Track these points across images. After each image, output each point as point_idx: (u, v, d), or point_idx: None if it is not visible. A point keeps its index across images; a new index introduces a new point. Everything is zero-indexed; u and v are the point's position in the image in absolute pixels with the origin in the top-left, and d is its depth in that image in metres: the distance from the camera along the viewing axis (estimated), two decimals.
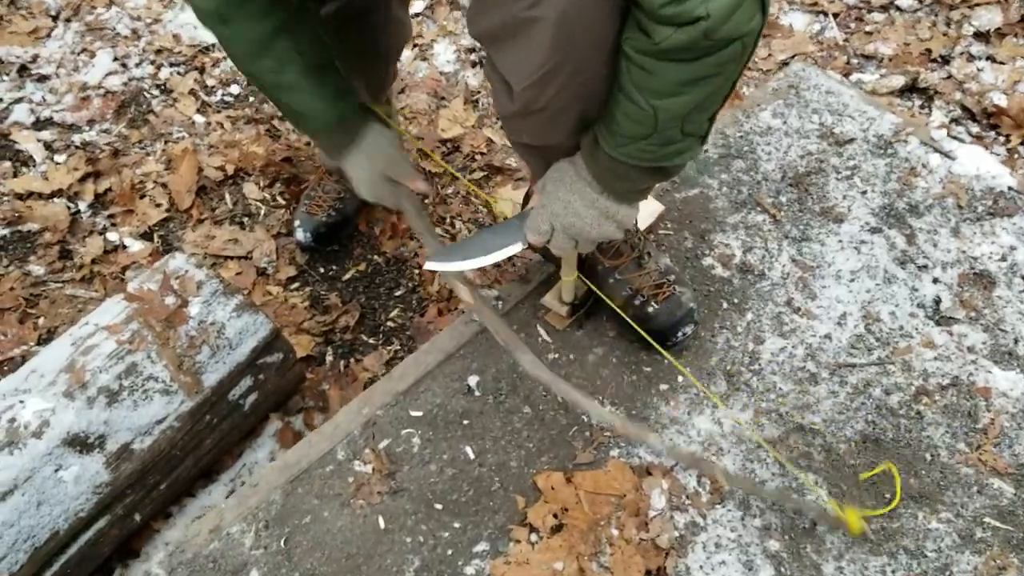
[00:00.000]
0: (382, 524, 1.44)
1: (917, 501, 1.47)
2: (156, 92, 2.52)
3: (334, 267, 2.15)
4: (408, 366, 1.61)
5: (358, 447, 1.52)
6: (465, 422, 1.56)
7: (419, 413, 1.56)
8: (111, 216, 2.22)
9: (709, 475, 1.45)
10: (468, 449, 1.53)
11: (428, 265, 1.37)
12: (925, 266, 1.77)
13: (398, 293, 2.10)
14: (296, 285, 2.11)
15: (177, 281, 1.72)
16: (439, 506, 1.46)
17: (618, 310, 1.54)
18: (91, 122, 2.43)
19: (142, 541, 1.69)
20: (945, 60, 2.62)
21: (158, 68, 2.58)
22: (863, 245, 1.81)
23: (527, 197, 1.72)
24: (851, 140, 1.99)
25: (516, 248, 1.33)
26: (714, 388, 1.60)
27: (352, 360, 1.97)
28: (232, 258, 2.15)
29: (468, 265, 1.36)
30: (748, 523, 1.45)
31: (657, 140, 1.06)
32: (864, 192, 1.90)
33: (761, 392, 1.60)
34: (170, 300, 1.68)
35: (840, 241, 1.82)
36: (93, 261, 2.12)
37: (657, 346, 1.51)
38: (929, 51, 2.64)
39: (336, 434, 1.53)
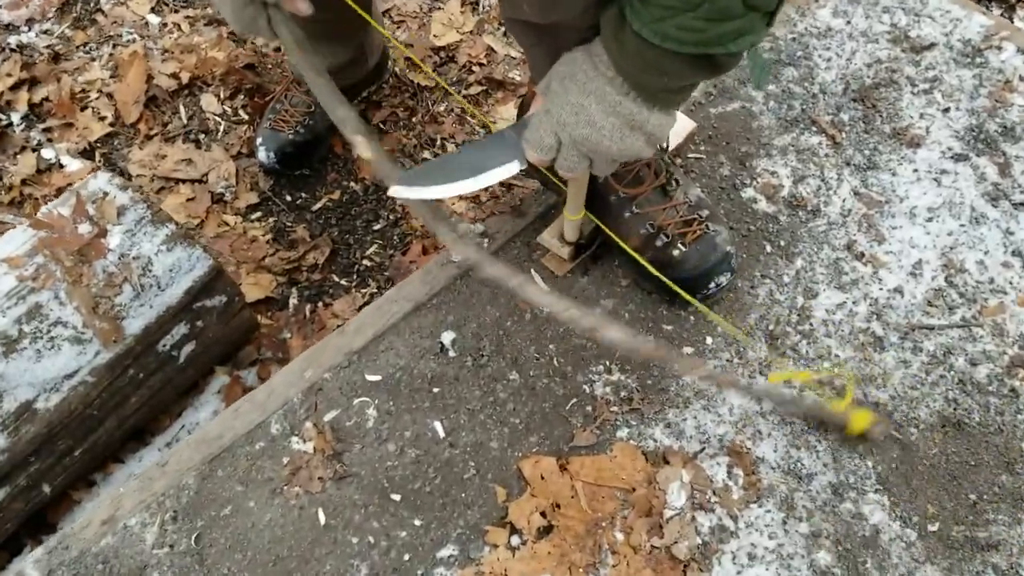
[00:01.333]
0: (322, 519, 1.15)
1: (1011, 504, 1.15)
2: None
3: (303, 194, 1.87)
4: (366, 318, 1.30)
5: (297, 419, 1.21)
6: (435, 390, 1.25)
7: (377, 377, 1.26)
8: (47, 130, 1.96)
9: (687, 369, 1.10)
10: (437, 425, 1.22)
11: (395, 191, 1.02)
12: (1023, 203, 1.41)
13: (377, 227, 1.83)
14: (258, 215, 1.85)
15: (94, 205, 1.43)
16: (396, 497, 1.17)
17: (633, 253, 1.21)
18: (30, 21, 2.11)
19: (59, 514, 1.47)
20: None
21: None
22: (944, 176, 1.47)
23: (524, 104, 1.38)
24: (930, 45, 1.63)
25: (511, 169, 0.99)
26: (752, 354, 1.28)
27: (320, 304, 1.73)
28: (184, 181, 1.86)
29: (448, 191, 1.02)
30: (792, 528, 1.14)
31: (708, 12, 0.76)
32: (946, 110, 1.55)
33: (812, 359, 1.28)
34: (84, 228, 1.43)
35: (916, 171, 1.49)
36: (24, 182, 1.87)
37: (683, 293, 1.19)
38: None
39: (270, 402, 1.22)
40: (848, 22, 1.67)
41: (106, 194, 1.45)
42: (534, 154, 0.96)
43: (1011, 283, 1.35)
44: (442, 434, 1.21)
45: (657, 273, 1.20)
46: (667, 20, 0.77)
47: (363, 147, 1.04)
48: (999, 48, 1.61)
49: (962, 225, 1.41)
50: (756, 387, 1.21)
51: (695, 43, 0.79)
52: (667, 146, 1.33)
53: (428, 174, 1.04)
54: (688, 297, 1.19)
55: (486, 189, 1.77)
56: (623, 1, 0.82)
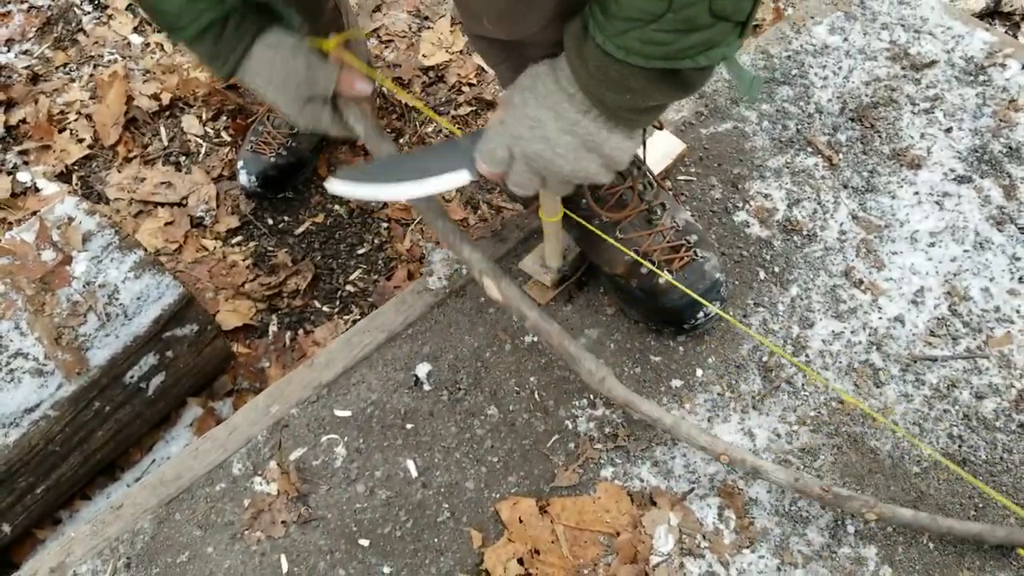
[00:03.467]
0: (284, 566, 1.08)
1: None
2: (88, 8, 2.15)
3: (285, 218, 1.81)
4: (336, 349, 1.23)
5: (261, 459, 1.14)
6: (408, 426, 1.18)
7: (347, 413, 1.19)
8: (23, 152, 1.91)
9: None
10: (410, 464, 1.15)
11: (333, 186, 0.96)
12: None
13: (361, 251, 1.77)
14: (238, 239, 1.79)
15: (59, 231, 1.37)
16: (364, 542, 1.09)
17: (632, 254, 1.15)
18: (10, 42, 2.07)
19: (23, 553, 1.41)
20: None
21: None
22: (947, 199, 1.40)
23: None
24: (931, 63, 1.56)
25: (460, 179, 0.93)
26: (744, 387, 1.20)
27: (300, 332, 1.67)
28: (163, 205, 1.80)
29: (390, 193, 0.96)
30: None
31: (673, 23, 0.70)
32: (948, 130, 1.48)
33: (809, 393, 1.20)
34: (48, 255, 1.37)
35: (916, 193, 1.41)
36: None
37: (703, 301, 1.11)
38: None
39: (232, 440, 1.15)
40: (845, 39, 1.61)
41: (72, 219, 1.40)
42: (485, 165, 0.90)
43: (1018, 312, 1.27)
44: (415, 474, 1.14)
45: (676, 280, 1.13)
46: (630, 33, 0.72)
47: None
48: (1003, 65, 1.54)
49: (966, 251, 1.34)
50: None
51: (661, 57, 0.73)
52: (651, 171, 1.27)
53: (373, 173, 0.98)
54: (702, 301, 1.12)
55: (449, 200, 1.71)
56: (587, 11, 0.77)
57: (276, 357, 1.63)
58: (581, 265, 1.29)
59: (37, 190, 1.84)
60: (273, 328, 1.66)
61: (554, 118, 0.83)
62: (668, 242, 1.20)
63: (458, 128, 1.92)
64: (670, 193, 1.37)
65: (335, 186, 0.95)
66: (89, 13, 2.13)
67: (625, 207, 1.20)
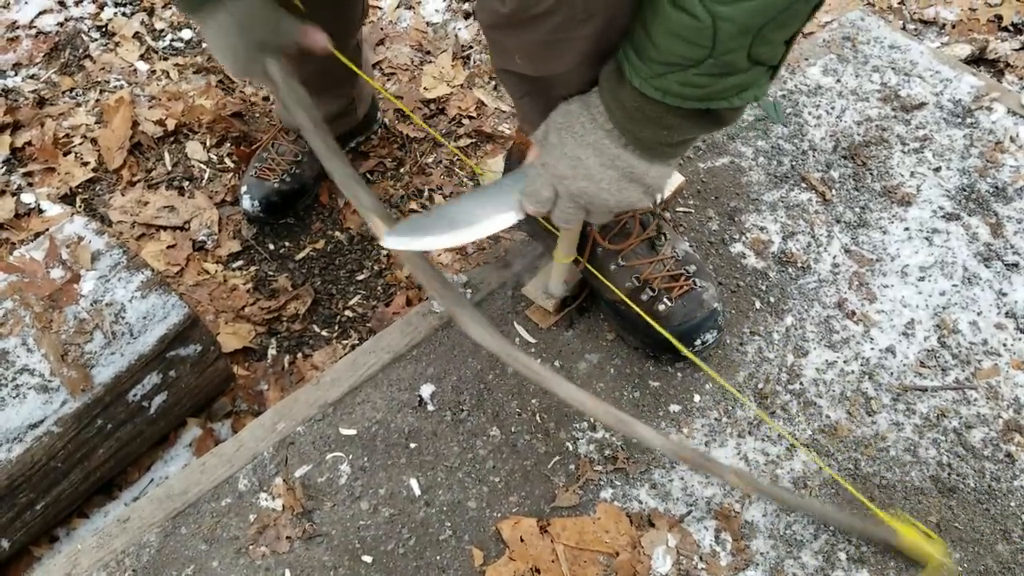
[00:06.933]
0: None
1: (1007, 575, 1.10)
2: (96, 35, 2.18)
3: (286, 243, 1.83)
4: (342, 369, 1.25)
5: (267, 475, 1.16)
6: (412, 445, 1.20)
7: (352, 432, 1.20)
8: (28, 174, 1.92)
9: (719, 474, 1.05)
10: (413, 482, 1.17)
11: (388, 242, 0.98)
12: (1016, 264, 1.40)
13: (361, 277, 1.79)
14: (239, 263, 1.80)
15: (68, 250, 1.39)
16: (367, 559, 1.10)
17: (625, 298, 1.17)
18: (17, 66, 2.09)
19: (19, 571, 1.40)
20: (1018, 29, 2.35)
21: (100, 7, 2.24)
22: (936, 235, 1.44)
23: (510, 155, 1.35)
24: (921, 105, 1.61)
25: (508, 220, 0.96)
26: (740, 412, 1.23)
27: (299, 355, 1.68)
28: (165, 228, 1.82)
29: (444, 241, 0.98)
30: None
31: (712, 68, 0.73)
32: (937, 169, 1.52)
33: (802, 420, 1.23)
34: (57, 273, 1.38)
35: (907, 229, 1.45)
36: (1, 226, 1.82)
37: (676, 342, 1.14)
38: (999, 18, 2.37)
39: (239, 456, 1.16)
40: (838, 80, 1.66)
41: (81, 239, 1.42)
42: (532, 206, 0.93)
43: (1005, 345, 1.31)
44: (418, 492, 1.16)
45: (651, 321, 1.16)
46: (669, 76, 0.75)
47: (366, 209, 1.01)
48: (989, 109, 1.60)
49: (954, 285, 1.38)
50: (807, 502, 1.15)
51: (698, 98, 0.76)
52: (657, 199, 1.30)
53: (424, 225, 1.00)
54: (679, 346, 1.15)
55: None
56: (622, 54, 0.80)
57: (275, 380, 1.64)
58: (582, 291, 1.32)
59: (40, 211, 1.86)
60: (272, 351, 1.67)
61: (594, 155, 0.86)
62: (668, 271, 1.24)
63: (464, 154, 1.95)
64: (670, 223, 1.41)
65: (390, 243, 0.96)
66: (96, 40, 2.17)
67: (628, 236, 1.24)
